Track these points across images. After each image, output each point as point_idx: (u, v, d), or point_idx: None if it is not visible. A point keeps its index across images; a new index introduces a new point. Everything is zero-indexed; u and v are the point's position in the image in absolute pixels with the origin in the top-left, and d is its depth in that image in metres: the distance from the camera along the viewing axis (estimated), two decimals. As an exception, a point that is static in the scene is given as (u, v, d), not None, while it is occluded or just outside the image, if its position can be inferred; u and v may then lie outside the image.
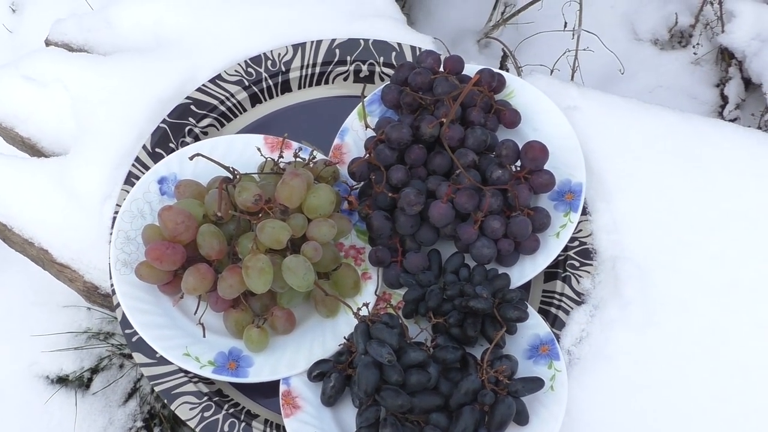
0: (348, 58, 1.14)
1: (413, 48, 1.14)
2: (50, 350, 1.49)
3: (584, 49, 1.62)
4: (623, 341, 0.97)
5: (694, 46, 1.83)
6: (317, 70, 1.15)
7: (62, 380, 1.48)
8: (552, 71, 1.62)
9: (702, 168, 1.06)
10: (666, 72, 1.85)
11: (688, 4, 1.87)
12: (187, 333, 0.97)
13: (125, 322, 0.98)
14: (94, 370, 1.49)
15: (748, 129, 1.11)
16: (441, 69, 1.06)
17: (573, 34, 1.59)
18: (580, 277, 1.00)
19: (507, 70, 1.71)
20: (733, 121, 1.75)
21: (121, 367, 1.50)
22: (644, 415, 0.94)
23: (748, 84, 1.77)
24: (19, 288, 1.55)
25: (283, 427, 0.93)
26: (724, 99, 1.79)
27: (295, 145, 1.05)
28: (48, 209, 1.08)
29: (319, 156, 1.04)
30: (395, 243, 1.00)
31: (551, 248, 0.99)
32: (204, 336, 0.97)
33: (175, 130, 1.10)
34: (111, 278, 0.98)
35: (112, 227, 1.02)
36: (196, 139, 1.11)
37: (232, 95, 1.13)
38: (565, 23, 1.66)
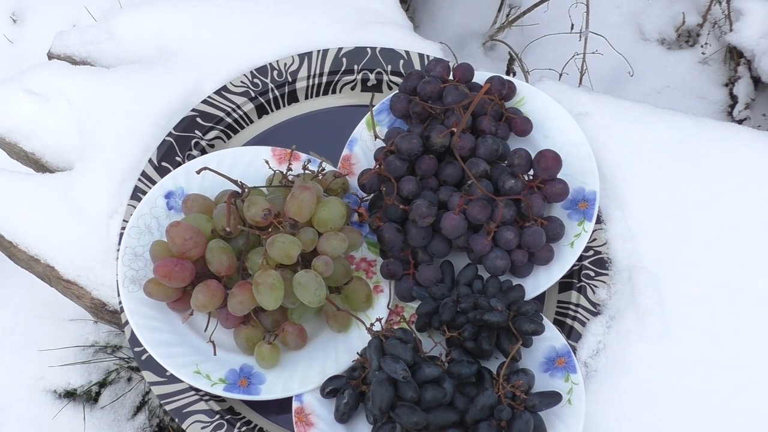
0: (355, 66, 1.13)
1: (421, 56, 1.13)
2: (57, 364, 1.48)
3: (593, 53, 1.60)
4: (641, 352, 0.95)
5: (702, 46, 1.82)
6: (324, 79, 1.13)
7: (70, 394, 1.47)
8: (560, 75, 1.61)
9: (717, 173, 1.04)
10: (674, 72, 1.83)
11: (695, 2, 1.85)
12: (198, 350, 0.96)
13: (134, 340, 0.96)
14: (102, 384, 1.48)
15: (763, 132, 1.09)
16: (450, 77, 1.05)
17: (580, 36, 1.57)
18: (596, 287, 0.99)
19: (514, 74, 1.70)
20: (742, 121, 1.74)
21: (129, 381, 1.49)
22: (663, 428, 0.92)
23: (758, 83, 1.76)
24: (25, 302, 1.54)
25: (297, 444, 0.92)
26: (733, 98, 1.77)
27: (303, 156, 1.04)
28: (53, 225, 1.07)
29: (328, 167, 1.03)
30: (407, 255, 0.98)
31: (566, 258, 0.98)
32: (215, 353, 0.95)
33: (182, 143, 1.08)
34: (119, 295, 0.97)
35: (119, 243, 1.01)
36: (203, 152, 1.09)
37: (239, 107, 1.11)
38: (572, 25, 1.64)
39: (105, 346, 1.50)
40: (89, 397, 1.47)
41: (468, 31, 1.90)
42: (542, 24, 1.81)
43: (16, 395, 1.47)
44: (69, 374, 1.48)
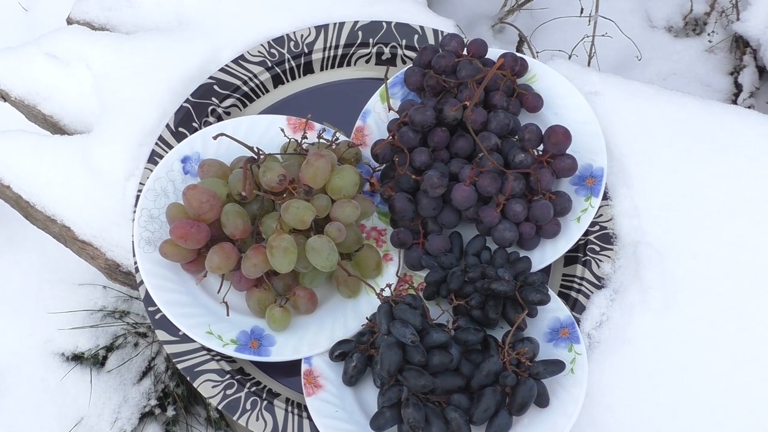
0: (370, 40, 1.15)
1: (435, 31, 1.14)
2: (66, 328, 1.50)
3: (602, 35, 1.62)
4: (643, 325, 0.97)
5: (708, 34, 1.83)
6: (339, 51, 1.15)
7: (77, 358, 1.49)
8: (570, 57, 1.62)
9: (722, 154, 1.06)
10: (680, 60, 1.85)
11: (703, -9, 1.87)
12: (210, 311, 0.98)
13: (148, 300, 0.98)
14: (109, 348, 1.50)
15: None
16: (464, 52, 1.06)
17: (589, 20, 1.59)
18: (601, 261, 1.01)
19: (523, 55, 1.71)
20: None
21: (136, 346, 1.51)
22: (664, 399, 0.94)
23: (763, 72, 1.77)
24: (35, 266, 1.55)
25: (305, 406, 0.94)
26: (738, 87, 1.79)
27: (317, 126, 1.05)
28: (71, 187, 1.08)
29: (342, 138, 1.05)
30: (417, 225, 1.00)
31: (572, 232, 1.00)
32: (227, 314, 0.97)
33: (198, 109, 1.10)
34: (134, 256, 0.99)
35: (135, 205, 1.03)
36: (219, 119, 1.11)
37: (255, 76, 1.13)
38: (582, 9, 1.66)
39: (113, 311, 1.52)
40: (96, 360, 1.49)
41: (477, 13, 1.91)
42: (551, 8, 1.83)
43: (25, 357, 1.49)
44: (77, 338, 1.50)
